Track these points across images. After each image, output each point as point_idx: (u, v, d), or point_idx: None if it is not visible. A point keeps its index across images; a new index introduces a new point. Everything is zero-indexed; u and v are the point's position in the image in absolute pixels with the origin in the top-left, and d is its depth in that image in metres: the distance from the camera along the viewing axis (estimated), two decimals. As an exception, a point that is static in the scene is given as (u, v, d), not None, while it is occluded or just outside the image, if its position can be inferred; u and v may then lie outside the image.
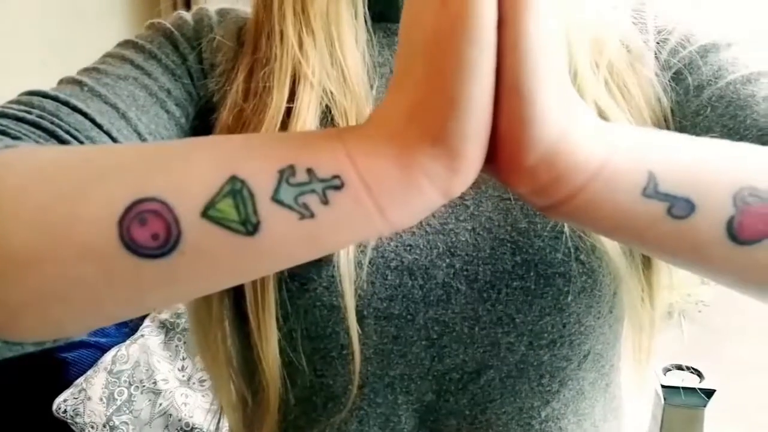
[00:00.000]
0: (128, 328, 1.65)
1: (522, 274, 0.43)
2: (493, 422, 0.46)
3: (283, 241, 0.27)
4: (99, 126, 0.38)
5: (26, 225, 0.26)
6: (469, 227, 0.44)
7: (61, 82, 0.41)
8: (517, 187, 0.29)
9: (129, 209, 0.26)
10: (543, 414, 0.47)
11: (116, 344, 1.58)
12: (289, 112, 0.44)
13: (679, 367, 0.95)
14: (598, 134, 0.28)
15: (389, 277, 0.44)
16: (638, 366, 0.51)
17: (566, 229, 0.43)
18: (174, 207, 0.26)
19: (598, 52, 0.45)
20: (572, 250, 0.43)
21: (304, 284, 0.43)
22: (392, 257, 0.44)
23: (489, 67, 0.26)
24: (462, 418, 0.46)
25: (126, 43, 0.46)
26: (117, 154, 0.30)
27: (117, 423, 1.46)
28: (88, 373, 1.53)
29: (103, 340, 1.61)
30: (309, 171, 0.27)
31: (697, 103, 0.43)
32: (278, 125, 0.43)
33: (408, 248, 0.44)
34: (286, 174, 0.27)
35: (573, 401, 0.47)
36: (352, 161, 0.27)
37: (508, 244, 0.44)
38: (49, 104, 0.37)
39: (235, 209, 0.26)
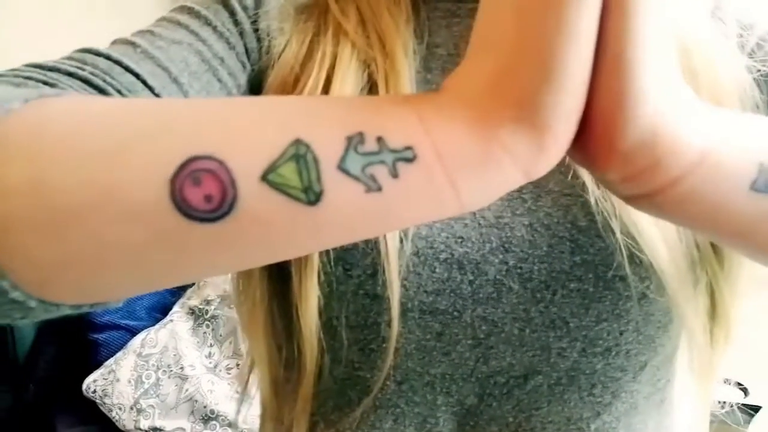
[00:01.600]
0: (159, 313, 1.66)
1: (580, 275, 0.41)
2: (537, 431, 0.43)
3: (346, 214, 0.25)
4: (150, 87, 0.37)
5: (71, 176, 0.24)
6: (526, 222, 0.41)
7: (114, 42, 0.40)
8: (608, 171, 0.26)
9: (182, 167, 0.24)
10: (593, 426, 0.44)
11: (146, 328, 1.58)
12: (330, 83, 0.42)
13: (724, 381, 0.90)
14: (704, 119, 0.26)
15: (437, 270, 0.41)
16: (700, 384, 0.47)
17: (618, 231, 0.39)
18: (232, 168, 0.24)
19: (687, 60, 0.42)
20: (634, 254, 0.40)
21: (348, 270, 0.41)
22: (442, 249, 0.41)
23: (591, 32, 0.23)
24: (504, 425, 0.44)
25: (182, 8, 0.44)
26: (173, 108, 0.28)
27: (144, 406, 1.47)
28: (118, 355, 1.54)
29: (132, 323, 1.62)
30: (379, 139, 0.24)
31: None
32: (320, 92, 0.41)
33: (459, 240, 0.41)
34: (354, 141, 0.24)
35: (625, 415, 0.44)
36: (427, 132, 0.25)
37: (567, 243, 0.41)
38: (102, 62, 0.36)
39: (297, 175, 0.24)
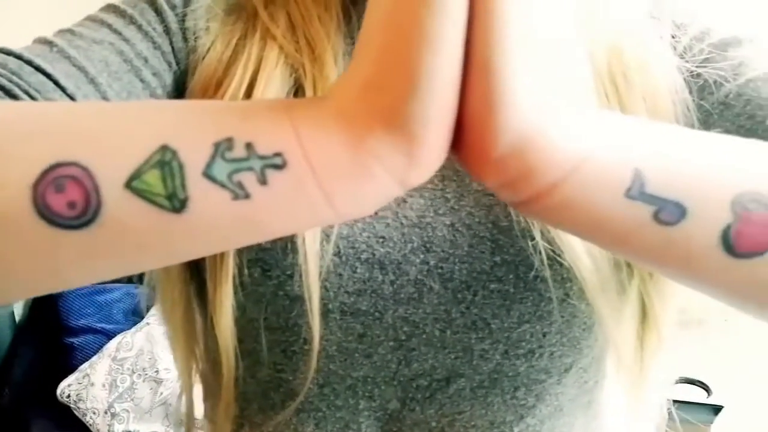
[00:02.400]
0: (136, 316, 1.65)
1: (501, 276, 0.40)
2: None
3: (215, 222, 0.25)
4: (62, 88, 0.36)
5: None
6: (448, 222, 0.41)
7: (34, 41, 0.39)
8: (485, 179, 0.26)
9: (46, 173, 0.24)
10: (516, 430, 0.43)
11: (122, 331, 1.58)
12: (253, 86, 0.41)
13: (689, 381, 0.90)
14: (583, 125, 0.25)
15: (359, 270, 0.41)
16: (631, 387, 0.47)
17: (538, 233, 0.39)
18: (96, 174, 0.24)
19: (616, 60, 0.41)
20: (556, 254, 0.39)
21: (267, 271, 0.40)
22: (363, 249, 0.40)
23: (455, 41, 0.23)
24: (427, 430, 0.43)
25: (108, 7, 0.44)
26: (50, 112, 0.28)
27: (118, 410, 1.46)
28: (93, 359, 1.53)
29: (109, 326, 1.61)
30: (248, 146, 0.24)
31: (712, 101, 0.40)
32: (242, 95, 0.40)
33: (381, 240, 0.41)
34: (222, 147, 0.24)
35: (550, 418, 0.44)
36: (298, 138, 0.24)
37: (488, 243, 0.40)
38: (12, 62, 0.35)
39: (161, 182, 0.24)
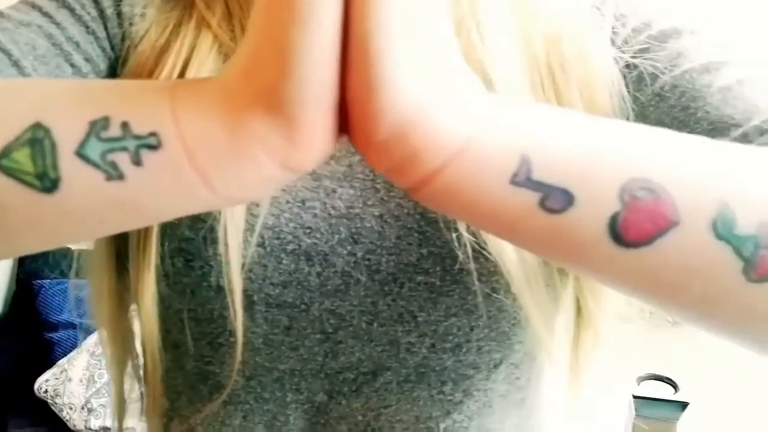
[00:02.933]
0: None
1: (427, 268, 0.40)
2: (386, 430, 0.42)
3: (88, 203, 0.24)
4: None
5: None
6: (377, 213, 0.40)
7: None
8: (372, 163, 0.26)
9: None
10: (442, 426, 0.42)
11: (101, 327, 1.57)
12: (184, 75, 0.40)
13: (657, 378, 0.89)
14: (468, 107, 0.24)
15: (284, 261, 0.40)
16: (569, 384, 0.46)
17: (462, 227, 0.38)
18: None
19: (554, 50, 0.41)
20: (481, 247, 0.39)
21: (190, 261, 0.40)
22: (289, 239, 0.40)
23: (329, 21, 0.23)
24: (354, 424, 0.42)
25: None
26: None
27: (95, 405, 1.45)
28: (71, 354, 1.52)
29: (89, 321, 1.61)
30: (124, 125, 0.24)
31: (649, 93, 0.39)
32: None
33: (308, 231, 0.40)
34: (97, 126, 0.24)
35: (478, 414, 0.43)
36: (175, 119, 0.24)
37: (416, 235, 0.40)
38: None
39: (31, 161, 0.23)
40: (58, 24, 0.40)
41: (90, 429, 1.43)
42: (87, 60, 0.41)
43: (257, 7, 0.24)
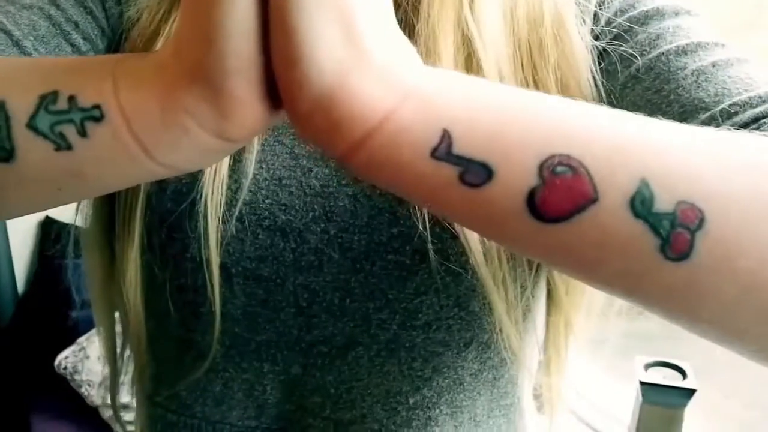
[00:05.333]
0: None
1: (397, 247, 0.41)
2: (357, 403, 0.43)
3: (42, 172, 0.26)
4: None
5: None
6: (350, 192, 0.41)
7: None
8: (301, 135, 0.26)
9: None
10: (411, 400, 0.43)
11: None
12: None
13: (664, 364, 0.89)
14: (391, 78, 0.25)
15: (260, 236, 0.42)
16: (546, 375, 0.47)
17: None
18: None
19: (532, 31, 0.41)
20: (448, 229, 0.39)
21: (172, 233, 0.42)
22: (266, 215, 0.42)
23: None
24: (327, 396, 0.44)
25: None
26: None
27: (112, 383, 1.49)
28: (91, 332, 1.56)
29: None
30: (71, 99, 0.25)
31: (626, 75, 0.39)
32: None
33: (283, 208, 0.42)
34: (47, 100, 0.25)
35: (448, 391, 0.44)
36: (116, 91, 0.25)
37: (386, 215, 0.41)
38: None
39: None
40: (58, 5, 0.42)
41: (107, 405, 1.47)
42: (85, 39, 0.43)
43: None
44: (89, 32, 0.43)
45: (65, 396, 1.53)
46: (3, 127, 0.25)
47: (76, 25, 0.43)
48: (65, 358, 1.54)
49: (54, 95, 0.25)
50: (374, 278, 0.41)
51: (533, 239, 0.25)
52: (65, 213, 0.85)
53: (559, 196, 0.24)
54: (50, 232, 1.73)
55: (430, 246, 0.39)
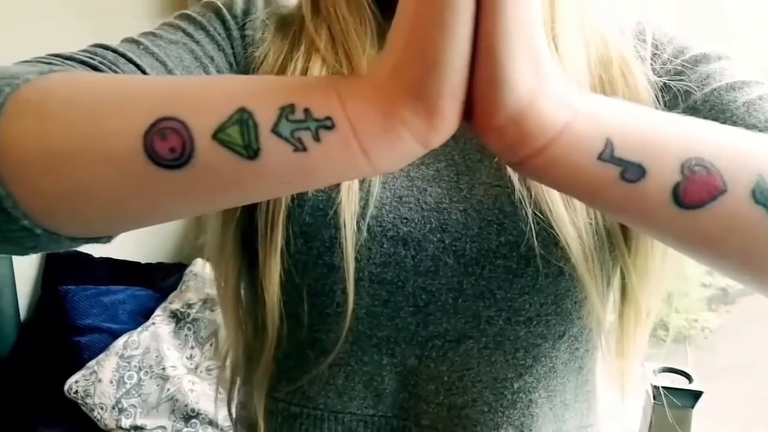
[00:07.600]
0: (141, 317, 1.70)
1: (505, 253, 0.48)
2: (468, 389, 0.50)
3: (279, 169, 0.32)
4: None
5: (65, 130, 0.31)
6: (461, 207, 0.48)
7: (123, 40, 0.47)
8: (489, 143, 0.33)
9: (153, 125, 0.31)
10: (515, 385, 0.50)
11: (128, 331, 1.63)
12: None
13: (671, 370, 0.99)
14: (564, 100, 0.31)
15: (385, 245, 0.48)
16: (620, 360, 0.54)
17: (530, 217, 0.46)
18: (190, 127, 0.30)
19: (603, 70, 0.49)
20: (550, 237, 0.46)
21: (309, 242, 0.48)
22: (389, 227, 0.48)
23: (465, 32, 0.29)
24: (440, 384, 0.50)
25: (181, 15, 0.52)
26: (147, 81, 0.36)
27: (125, 405, 1.50)
28: (100, 356, 1.57)
29: (115, 326, 1.66)
30: (306, 111, 0.31)
31: (683, 107, 0.47)
32: None
33: (404, 221, 0.48)
34: (286, 111, 0.31)
35: (545, 377, 0.51)
36: (343, 106, 0.31)
37: (495, 226, 0.48)
38: (109, 55, 0.43)
39: (240, 135, 0.31)
40: (197, 42, 0.49)
41: (121, 428, 1.48)
42: (218, 71, 0.50)
43: (402, 18, 0.31)
44: (222, 66, 0.50)
45: (73, 420, 1.53)
46: (252, 131, 0.31)
47: (212, 59, 0.50)
48: (75, 383, 1.54)
49: (291, 107, 0.31)
50: (484, 280, 0.48)
51: (674, 223, 0.32)
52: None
53: (697, 188, 0.31)
54: (54, 259, 1.74)
55: (537, 251, 0.46)
